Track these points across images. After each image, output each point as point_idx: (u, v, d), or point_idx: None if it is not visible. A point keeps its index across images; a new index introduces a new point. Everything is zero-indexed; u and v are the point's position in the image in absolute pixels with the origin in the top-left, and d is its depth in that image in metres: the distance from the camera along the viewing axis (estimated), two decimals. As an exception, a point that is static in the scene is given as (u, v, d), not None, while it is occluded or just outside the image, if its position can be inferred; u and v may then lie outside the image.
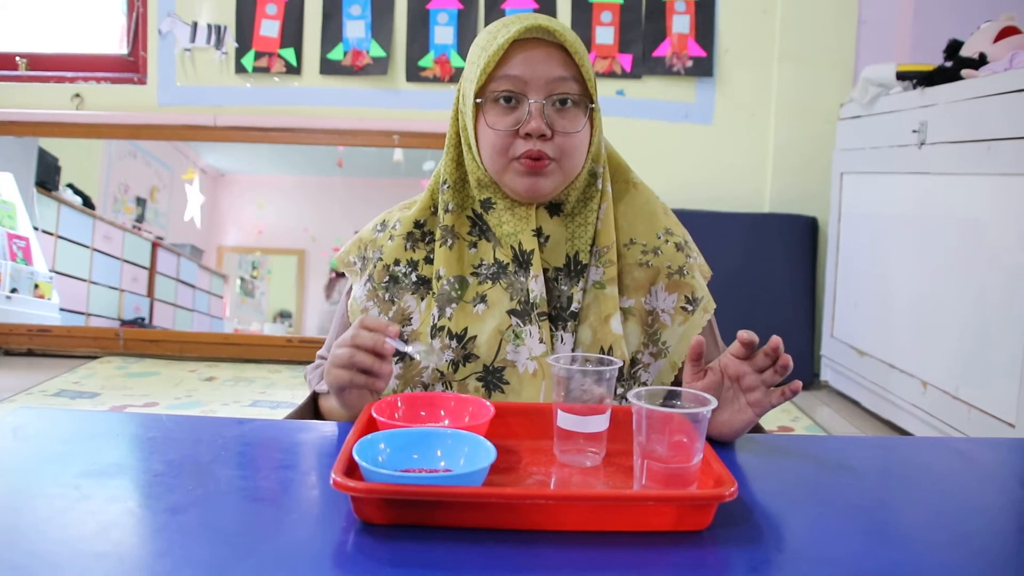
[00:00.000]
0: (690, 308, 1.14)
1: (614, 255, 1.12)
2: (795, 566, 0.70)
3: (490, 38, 1.09)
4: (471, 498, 0.74)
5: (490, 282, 1.12)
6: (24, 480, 0.85)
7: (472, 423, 0.92)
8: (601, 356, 0.97)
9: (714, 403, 0.80)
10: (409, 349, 1.04)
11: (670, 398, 0.84)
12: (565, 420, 0.90)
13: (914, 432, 2.76)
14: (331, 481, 0.74)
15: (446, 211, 1.14)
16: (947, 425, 2.54)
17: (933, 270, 2.66)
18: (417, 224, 1.17)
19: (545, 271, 1.12)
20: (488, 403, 0.95)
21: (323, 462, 0.91)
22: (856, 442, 1.14)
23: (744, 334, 0.96)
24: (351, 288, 1.21)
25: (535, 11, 3.58)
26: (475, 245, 1.14)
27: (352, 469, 0.78)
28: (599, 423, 0.90)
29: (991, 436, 2.25)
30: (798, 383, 0.97)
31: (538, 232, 1.12)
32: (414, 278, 1.15)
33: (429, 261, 1.16)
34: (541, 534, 0.73)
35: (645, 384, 1.13)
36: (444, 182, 1.15)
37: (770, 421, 3.04)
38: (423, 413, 0.98)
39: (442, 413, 0.98)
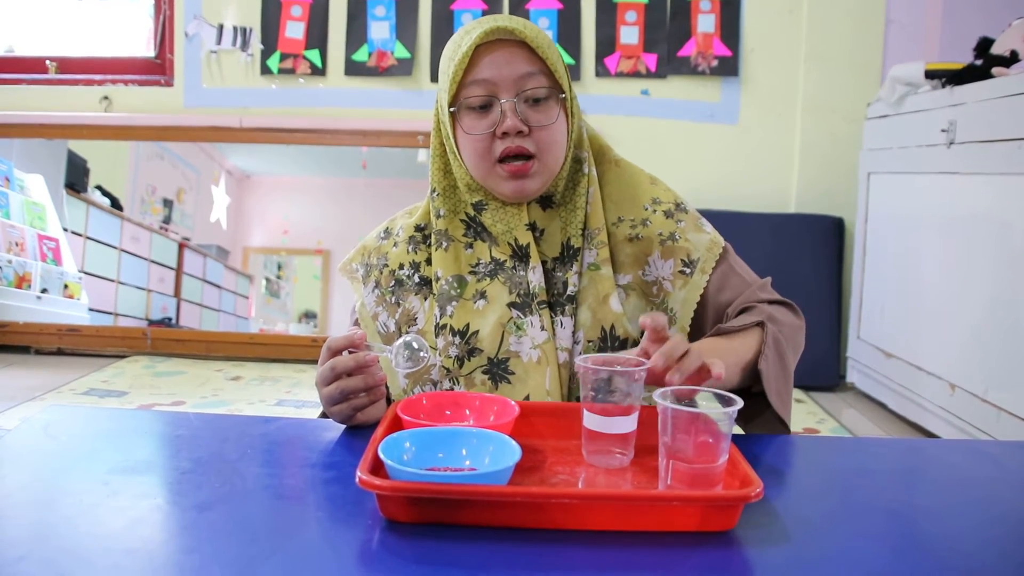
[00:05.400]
0: (688, 271, 1.15)
1: (605, 236, 1.14)
2: (820, 568, 0.69)
3: (455, 47, 1.10)
4: (496, 497, 0.74)
5: (488, 279, 1.14)
6: (55, 476, 0.86)
7: (497, 422, 0.92)
8: (630, 357, 0.93)
9: (739, 403, 0.80)
10: (387, 350, 1.05)
11: (695, 398, 0.84)
12: (591, 421, 0.89)
13: (941, 435, 2.73)
14: (357, 479, 0.74)
15: (438, 216, 1.17)
16: (975, 428, 2.51)
17: (962, 271, 2.63)
18: (418, 228, 1.20)
19: (543, 262, 1.14)
20: (513, 402, 0.95)
21: (349, 460, 0.92)
22: (882, 444, 1.13)
23: (645, 320, 0.91)
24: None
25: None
26: (471, 246, 1.16)
27: (378, 467, 0.78)
28: (626, 424, 0.89)
29: (1021, 440, 2.22)
30: (719, 370, 0.88)
31: (532, 226, 1.14)
32: (417, 279, 1.17)
33: (431, 262, 1.18)
34: (566, 534, 0.73)
35: None
36: (433, 190, 1.18)
37: (796, 423, 3.02)
38: (448, 412, 0.98)
39: (467, 412, 0.98)
